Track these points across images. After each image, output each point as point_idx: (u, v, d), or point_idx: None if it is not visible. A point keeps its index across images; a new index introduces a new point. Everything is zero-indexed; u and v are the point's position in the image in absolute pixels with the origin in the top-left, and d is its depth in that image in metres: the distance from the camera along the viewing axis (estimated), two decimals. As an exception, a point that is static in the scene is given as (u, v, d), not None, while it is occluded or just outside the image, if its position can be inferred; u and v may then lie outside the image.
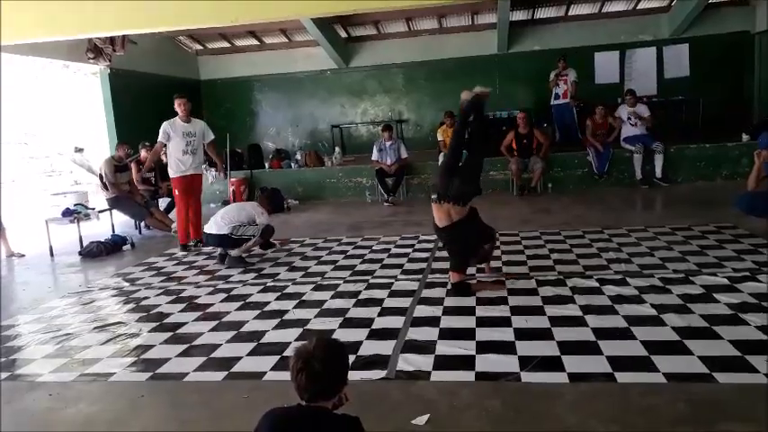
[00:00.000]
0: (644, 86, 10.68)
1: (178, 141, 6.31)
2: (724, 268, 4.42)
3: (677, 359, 2.96)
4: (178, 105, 6.31)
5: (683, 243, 5.23)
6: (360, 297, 4.36)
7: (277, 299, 4.49)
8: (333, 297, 4.42)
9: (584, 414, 2.53)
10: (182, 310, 4.39)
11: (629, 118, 8.72)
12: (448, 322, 3.71)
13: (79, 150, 12.80)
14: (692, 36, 11.06)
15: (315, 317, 4.02)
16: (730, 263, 4.54)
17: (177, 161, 6.38)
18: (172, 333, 3.90)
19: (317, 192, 9.80)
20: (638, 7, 11.17)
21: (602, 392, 2.71)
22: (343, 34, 12.08)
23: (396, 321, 3.79)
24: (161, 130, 6.33)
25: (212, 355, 3.47)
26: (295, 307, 4.26)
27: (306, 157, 10.42)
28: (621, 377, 2.82)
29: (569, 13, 11.46)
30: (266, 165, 10.58)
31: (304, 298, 4.46)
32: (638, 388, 2.71)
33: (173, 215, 7.44)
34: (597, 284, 4.23)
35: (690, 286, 4.05)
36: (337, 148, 10.85)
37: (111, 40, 8.87)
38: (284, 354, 3.38)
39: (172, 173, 6.46)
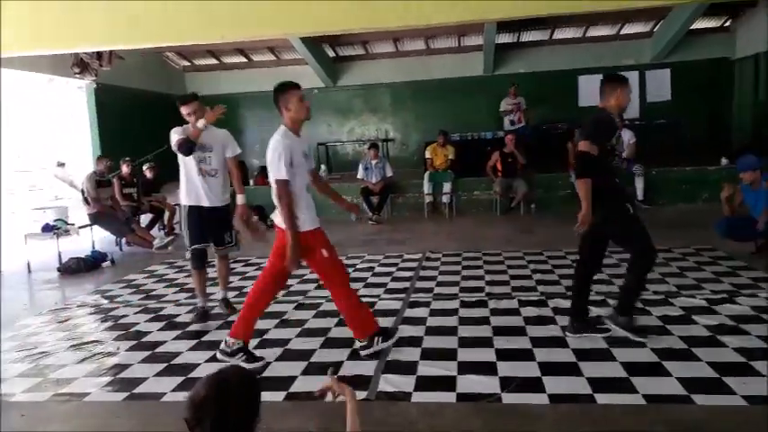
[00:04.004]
0: (627, 110, 10.85)
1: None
2: (702, 290, 4.47)
3: (657, 381, 2.98)
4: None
5: (663, 265, 5.28)
6: (342, 316, 4.32)
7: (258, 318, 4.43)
8: (315, 316, 4.39)
9: (563, 436, 2.54)
10: (161, 329, 4.33)
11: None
12: (430, 342, 3.70)
13: (61, 165, 12.68)
14: (673, 61, 11.32)
15: (296, 336, 3.99)
16: (709, 285, 4.59)
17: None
18: (150, 352, 3.85)
19: (302, 209, 9.76)
20: (621, 32, 11.42)
21: (582, 414, 2.71)
22: (332, 53, 12.18)
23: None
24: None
25: (191, 375, 3.42)
26: (276, 326, 4.22)
27: (291, 174, 10.39)
28: (602, 398, 2.83)
29: (554, 37, 11.69)
30: (251, 182, 10.55)
31: (285, 317, 4.42)
32: (618, 410, 2.72)
33: (154, 231, 7.38)
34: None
35: (669, 308, 4.09)
36: (323, 166, 10.88)
37: (99, 55, 8.85)
38: (264, 375, 3.35)
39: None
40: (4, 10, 4.42)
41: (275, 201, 3.35)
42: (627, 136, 8.85)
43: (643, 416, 2.65)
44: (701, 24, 10.90)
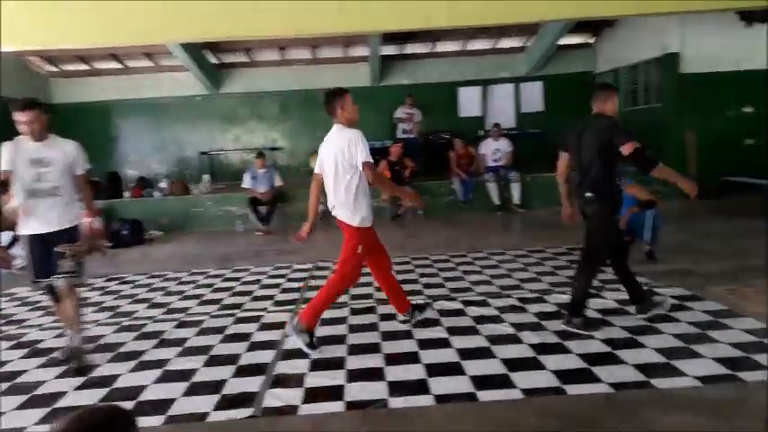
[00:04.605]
0: (503, 120, 11.48)
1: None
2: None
3: (533, 374, 3.14)
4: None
5: (537, 264, 5.62)
6: (226, 332, 4.18)
7: (135, 339, 4.16)
8: (197, 334, 4.19)
9: (447, 435, 2.60)
10: (23, 356, 3.94)
11: (494, 152, 9.32)
12: (319, 353, 3.65)
13: None
14: (545, 74, 12.14)
15: (176, 356, 3.78)
16: (579, 281, 4.94)
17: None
18: (10, 383, 3.48)
19: (184, 222, 9.34)
20: (497, 46, 12.07)
21: (465, 412, 2.80)
22: (214, 60, 11.81)
23: (265, 356, 3.67)
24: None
25: (56, 405, 3.13)
26: (155, 347, 3.97)
27: (171, 185, 9.93)
28: (483, 395, 2.93)
29: (436, 50, 12.12)
30: (126, 194, 9.92)
31: (165, 336, 4.18)
32: (497, 405, 2.84)
33: (16, 251, 6.70)
34: (461, 306, 4.40)
35: (544, 305, 4.35)
36: (206, 176, 10.47)
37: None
38: (140, 399, 3.14)
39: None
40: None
41: (344, 189, 3.63)
42: (504, 145, 9.38)
43: (521, 409, 2.78)
44: (568, 41, 11.78)
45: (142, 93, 11.90)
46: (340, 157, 3.63)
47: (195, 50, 10.60)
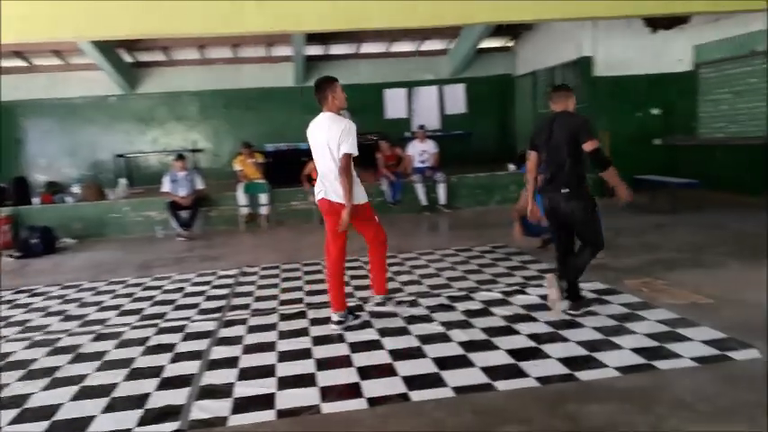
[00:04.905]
0: (428, 121, 11.67)
1: None
2: (498, 284, 4.93)
3: (463, 372, 3.19)
4: None
5: (464, 263, 5.74)
6: (149, 344, 3.98)
7: (48, 354, 3.89)
8: (117, 347, 3.97)
9: (381, 438, 2.59)
10: None
11: (420, 153, 9.43)
12: (248, 361, 3.56)
13: None
14: (467, 77, 12.45)
15: (95, 371, 3.56)
16: (503, 279, 5.08)
17: None
18: None
19: (100, 228, 8.85)
20: (421, 49, 12.25)
21: (397, 413, 2.80)
22: (129, 59, 11.30)
23: (190, 367, 3.53)
24: None
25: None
26: (70, 362, 3.73)
27: (85, 190, 9.39)
28: (415, 395, 2.95)
29: (360, 51, 12.14)
30: (35, 200, 9.29)
31: (81, 351, 3.93)
32: (431, 404, 2.86)
33: None
34: (392, 307, 4.41)
35: (471, 302, 4.43)
36: (122, 180, 9.98)
37: None
38: (55, 418, 2.94)
39: None
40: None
41: (335, 176, 3.88)
42: (430, 146, 9.51)
43: (452, 407, 2.82)
44: (488, 44, 12.13)
45: (51, 92, 11.24)
46: (333, 144, 3.86)
47: (109, 49, 10.10)
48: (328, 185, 3.98)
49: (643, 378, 3.00)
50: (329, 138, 3.86)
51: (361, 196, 4.05)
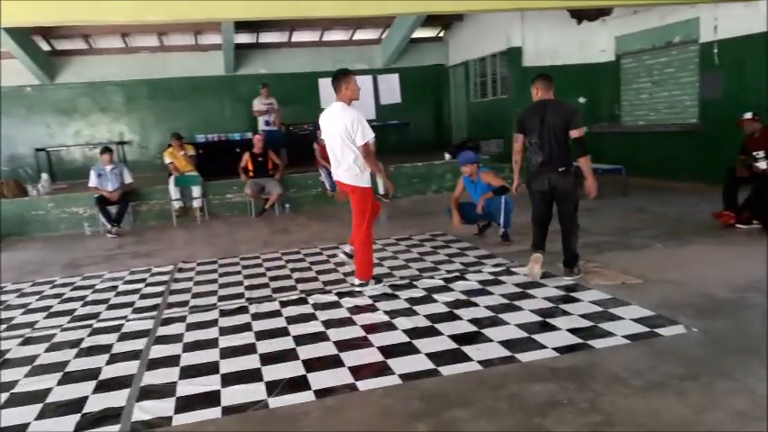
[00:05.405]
0: (364, 111, 11.65)
1: None
2: (439, 271, 5.02)
3: (409, 359, 3.24)
4: None
5: (405, 251, 5.81)
6: (82, 345, 3.82)
7: (-30, 362, 3.66)
8: (48, 350, 3.78)
9: (329, 428, 2.60)
10: None
11: None
12: (189, 359, 3.47)
13: None
14: (401, 66, 12.51)
15: (25, 376, 3.38)
16: (444, 266, 5.18)
17: None
18: None
19: (21, 227, 8.36)
20: (354, 38, 12.20)
21: (345, 403, 2.81)
22: (47, 47, 10.66)
23: (129, 367, 3.41)
24: None
25: None
26: (-4, 369, 3.53)
27: (2, 186, 8.82)
28: (363, 385, 2.97)
29: (292, 40, 11.97)
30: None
31: (9, 356, 3.72)
32: (377, 392, 2.88)
33: None
34: (336, 298, 4.42)
35: (414, 290, 4.50)
36: (44, 175, 9.44)
37: None
38: (-19, 430, 2.77)
39: None
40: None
41: (360, 161, 4.34)
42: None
43: (400, 394, 2.86)
44: (420, 34, 12.23)
45: (-43, 82, 10.45)
46: (344, 133, 4.29)
47: (23, 36, 9.49)
48: (340, 170, 4.42)
49: (580, 357, 3.14)
50: (341, 126, 4.28)
51: (366, 182, 4.45)
